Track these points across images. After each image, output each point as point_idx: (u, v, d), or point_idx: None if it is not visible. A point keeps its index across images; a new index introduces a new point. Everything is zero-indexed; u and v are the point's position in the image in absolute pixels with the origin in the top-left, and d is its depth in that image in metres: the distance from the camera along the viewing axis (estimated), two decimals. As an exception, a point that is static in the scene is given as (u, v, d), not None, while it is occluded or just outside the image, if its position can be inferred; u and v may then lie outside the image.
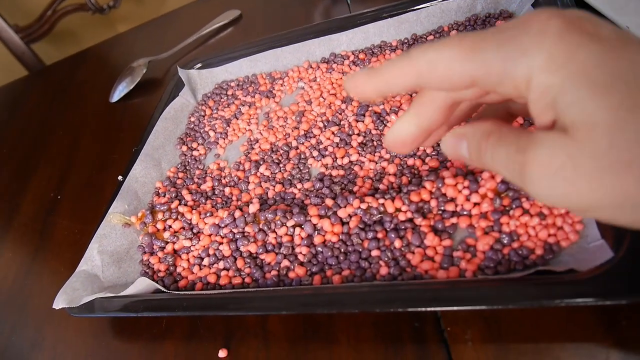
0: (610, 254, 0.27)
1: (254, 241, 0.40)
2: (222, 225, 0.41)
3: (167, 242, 0.43)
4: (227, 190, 0.47)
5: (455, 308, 0.28)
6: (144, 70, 0.72)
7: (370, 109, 0.47)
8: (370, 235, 0.36)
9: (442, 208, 0.35)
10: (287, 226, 0.39)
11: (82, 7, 1.19)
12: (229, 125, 0.55)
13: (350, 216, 0.37)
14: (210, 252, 0.41)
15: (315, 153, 0.46)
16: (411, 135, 0.27)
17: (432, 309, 0.28)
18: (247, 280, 0.38)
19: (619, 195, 0.18)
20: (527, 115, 0.24)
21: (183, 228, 0.43)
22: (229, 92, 0.59)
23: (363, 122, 0.46)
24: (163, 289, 0.38)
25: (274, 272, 0.37)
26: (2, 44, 1.15)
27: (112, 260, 0.42)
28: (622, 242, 0.27)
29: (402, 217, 0.36)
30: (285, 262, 0.37)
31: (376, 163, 0.42)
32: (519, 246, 0.32)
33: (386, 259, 0.35)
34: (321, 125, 0.49)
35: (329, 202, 0.39)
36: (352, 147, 0.45)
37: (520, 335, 0.29)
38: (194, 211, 0.44)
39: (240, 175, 0.48)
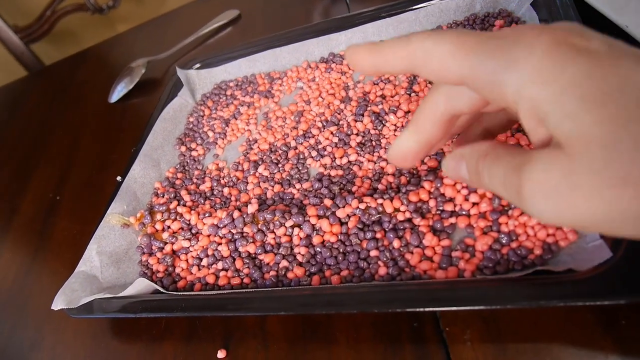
0: (609, 254, 0.27)
1: (252, 241, 0.39)
2: (221, 225, 0.41)
3: (165, 243, 0.43)
4: (225, 190, 0.47)
5: (454, 308, 0.28)
6: (143, 70, 0.72)
7: (369, 108, 0.47)
8: (369, 235, 0.36)
9: (441, 208, 0.35)
10: (285, 226, 0.39)
11: (81, 7, 1.19)
12: (227, 126, 0.55)
13: (348, 216, 0.37)
14: (209, 252, 0.41)
15: (314, 153, 0.46)
16: (412, 150, 0.27)
17: (431, 309, 0.28)
18: (245, 280, 0.38)
19: (618, 210, 0.18)
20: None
21: (182, 229, 0.43)
22: (228, 92, 0.59)
23: (362, 122, 0.46)
24: (162, 289, 0.38)
25: (272, 273, 0.37)
26: (1, 44, 1.15)
27: (110, 261, 0.42)
28: (621, 242, 0.27)
29: (400, 217, 0.36)
30: (284, 263, 0.37)
31: (375, 163, 0.42)
32: (518, 246, 0.32)
33: (385, 259, 0.35)
34: (320, 125, 0.49)
35: (327, 202, 0.39)
36: (350, 147, 0.45)
37: (519, 335, 0.29)
38: (192, 212, 0.44)
39: (239, 176, 0.48)
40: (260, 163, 0.48)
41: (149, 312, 0.36)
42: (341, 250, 0.36)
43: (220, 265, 0.39)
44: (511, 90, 0.20)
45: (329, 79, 0.54)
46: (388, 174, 0.40)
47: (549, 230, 0.31)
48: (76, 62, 0.90)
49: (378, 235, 0.36)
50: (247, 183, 0.47)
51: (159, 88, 0.70)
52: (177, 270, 0.41)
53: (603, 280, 0.26)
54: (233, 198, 0.46)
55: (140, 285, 0.38)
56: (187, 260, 0.42)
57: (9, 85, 0.94)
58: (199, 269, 0.40)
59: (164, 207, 0.45)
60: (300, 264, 0.37)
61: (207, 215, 0.42)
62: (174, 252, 0.43)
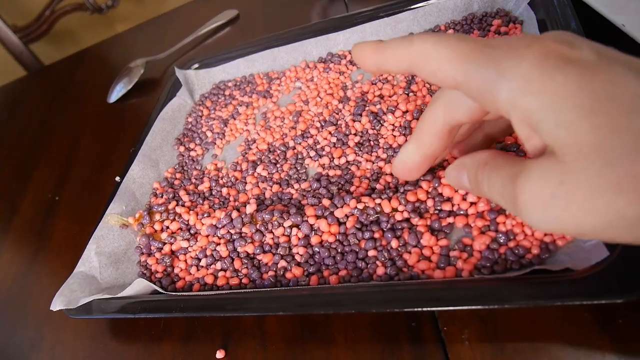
0: (606, 253, 0.27)
1: (251, 242, 0.40)
2: (220, 226, 0.41)
3: (164, 243, 0.43)
4: (224, 190, 0.47)
5: (451, 308, 0.28)
6: (142, 70, 0.72)
7: (367, 108, 0.47)
8: (367, 235, 0.36)
9: (439, 207, 0.35)
10: (284, 227, 0.39)
11: (80, 7, 1.19)
12: (226, 126, 0.55)
13: (347, 216, 0.37)
14: (208, 252, 0.41)
15: (312, 153, 0.46)
16: (416, 163, 0.28)
17: (429, 309, 0.28)
18: (244, 281, 0.38)
19: (613, 216, 0.18)
20: None
21: (180, 229, 0.43)
22: (227, 93, 0.59)
23: (360, 122, 0.46)
24: (160, 290, 0.38)
25: (271, 273, 0.37)
26: (0, 44, 1.15)
27: (109, 262, 0.42)
28: (618, 241, 0.27)
29: (398, 217, 0.36)
30: (283, 263, 0.37)
31: (373, 163, 0.42)
32: (515, 245, 0.32)
33: (383, 259, 0.35)
34: (318, 125, 0.49)
35: (325, 202, 0.39)
36: (349, 147, 0.45)
37: (517, 335, 0.29)
38: (191, 212, 0.44)
39: (237, 176, 0.48)
40: (258, 163, 0.48)
41: (148, 312, 0.36)
42: (339, 250, 0.36)
43: (218, 265, 0.40)
44: (502, 99, 0.21)
45: (327, 79, 0.54)
46: (386, 174, 0.40)
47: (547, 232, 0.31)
48: (75, 62, 0.91)
49: (376, 235, 0.36)
50: (246, 183, 0.47)
51: (157, 88, 0.70)
52: (176, 270, 0.41)
53: (600, 280, 0.26)
54: (232, 198, 0.46)
55: (139, 286, 0.38)
56: (185, 261, 0.42)
57: (8, 85, 0.94)
58: (198, 270, 0.41)
59: (163, 208, 0.45)
60: (298, 264, 0.37)
61: (205, 215, 0.42)
62: (172, 252, 0.43)
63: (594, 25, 0.39)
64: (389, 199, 0.36)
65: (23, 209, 0.60)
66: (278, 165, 0.47)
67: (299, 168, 0.46)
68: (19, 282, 0.50)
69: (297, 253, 0.37)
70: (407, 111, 0.44)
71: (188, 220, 0.43)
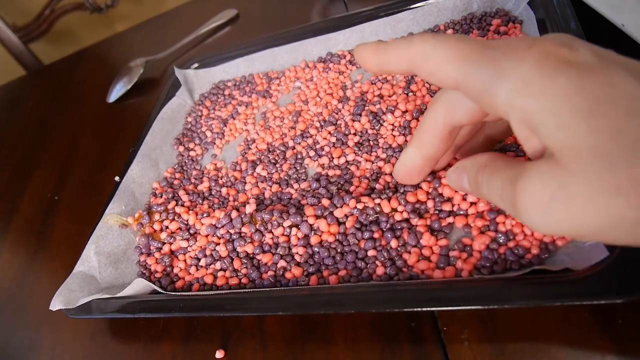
0: (605, 253, 0.27)
1: (250, 242, 0.40)
2: (219, 225, 0.41)
3: (164, 243, 0.43)
4: (224, 190, 0.47)
5: (451, 308, 0.28)
6: (141, 70, 0.72)
7: (366, 108, 0.47)
8: (366, 235, 0.36)
9: (439, 208, 0.35)
10: (283, 226, 0.39)
11: (80, 7, 1.19)
12: (225, 126, 0.55)
13: (346, 216, 0.37)
14: (207, 252, 0.41)
15: (311, 153, 0.46)
16: (417, 166, 0.28)
17: (429, 309, 0.28)
18: (244, 280, 0.38)
19: (613, 218, 0.18)
20: None
21: (180, 229, 0.43)
22: (226, 92, 0.59)
23: (359, 121, 0.46)
24: (160, 289, 0.38)
25: (270, 273, 0.37)
26: (0, 44, 1.15)
27: (109, 261, 0.42)
28: (618, 241, 0.27)
29: (398, 217, 0.36)
30: (282, 263, 0.37)
31: (372, 163, 0.42)
32: (515, 245, 0.32)
33: (382, 259, 0.35)
34: (318, 125, 0.49)
35: (325, 202, 0.39)
36: (348, 146, 0.45)
37: (517, 335, 0.29)
38: (190, 212, 0.44)
39: (237, 176, 0.48)
40: (258, 163, 0.48)
41: (147, 312, 0.36)
42: (339, 250, 0.36)
43: (218, 265, 0.40)
44: (501, 100, 0.21)
45: (326, 78, 0.54)
46: (385, 174, 0.40)
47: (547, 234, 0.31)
48: (75, 62, 0.90)
49: (376, 235, 0.36)
50: (245, 183, 0.47)
51: (157, 88, 0.70)
52: (175, 270, 0.41)
53: (600, 280, 0.26)
54: (231, 198, 0.46)
55: (139, 286, 0.38)
56: (185, 261, 0.42)
57: (7, 85, 0.94)
58: (197, 269, 0.41)
59: (162, 207, 0.45)
60: (298, 264, 0.37)
61: (205, 215, 0.42)
62: (172, 252, 0.43)
63: (593, 26, 0.39)
64: (389, 199, 0.36)
65: (22, 208, 0.60)
66: (277, 165, 0.47)
67: (298, 168, 0.46)
68: (19, 282, 0.50)
69: (297, 253, 0.37)
70: (406, 111, 0.44)
71: (187, 220, 0.43)
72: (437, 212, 0.36)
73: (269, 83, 0.58)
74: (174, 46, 0.75)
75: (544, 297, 0.26)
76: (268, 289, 0.35)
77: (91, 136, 0.68)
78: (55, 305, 0.38)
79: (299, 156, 0.47)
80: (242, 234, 0.40)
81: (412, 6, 0.53)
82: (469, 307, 0.27)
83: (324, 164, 0.45)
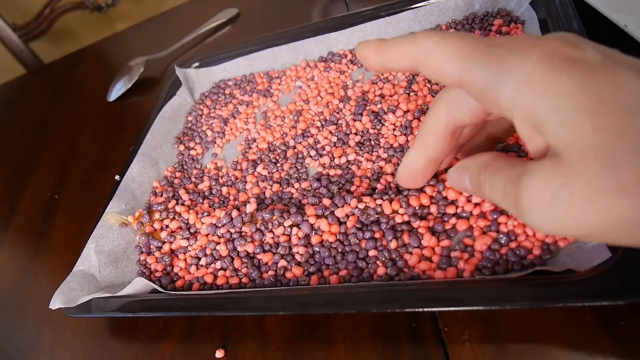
0: (608, 254, 0.27)
1: (251, 241, 0.39)
2: (219, 225, 0.41)
3: (164, 242, 0.43)
4: (224, 189, 0.47)
5: (452, 308, 0.28)
6: (142, 69, 0.72)
7: (367, 108, 0.46)
8: (367, 235, 0.36)
9: (443, 211, 0.35)
10: (284, 226, 0.39)
11: (80, 6, 1.19)
12: (226, 125, 0.55)
13: (347, 216, 0.37)
14: (208, 252, 0.41)
15: (312, 152, 0.46)
16: (420, 168, 0.28)
17: (430, 309, 0.28)
18: (244, 280, 0.38)
19: (616, 219, 0.18)
20: None
21: (180, 228, 0.43)
22: (227, 91, 0.59)
23: (361, 121, 0.46)
24: (160, 289, 0.38)
25: (271, 272, 0.37)
26: (0, 43, 1.15)
27: (109, 260, 0.42)
28: (620, 242, 0.27)
29: (398, 219, 0.35)
30: (283, 262, 0.37)
31: (374, 162, 0.42)
32: (517, 246, 0.32)
33: (383, 259, 0.34)
34: (319, 124, 0.49)
35: (326, 201, 0.39)
36: (349, 146, 0.45)
37: (518, 336, 0.29)
38: (191, 211, 0.43)
39: (237, 175, 0.48)
40: (258, 162, 0.48)
41: (147, 311, 0.36)
42: (340, 250, 0.36)
43: (218, 264, 0.39)
44: (504, 98, 0.21)
45: (327, 78, 0.54)
46: (387, 174, 0.40)
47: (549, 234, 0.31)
48: (75, 61, 0.90)
49: (377, 235, 0.35)
50: (246, 182, 0.47)
51: (157, 87, 0.70)
52: (176, 269, 0.41)
53: (602, 281, 0.26)
54: (231, 197, 0.46)
55: (139, 285, 0.37)
56: (185, 260, 0.42)
57: (7, 84, 0.94)
58: (197, 269, 0.40)
59: (163, 206, 0.45)
60: (298, 264, 0.37)
61: (205, 214, 0.42)
62: (172, 251, 0.42)
63: (595, 26, 0.39)
64: (390, 200, 0.36)
65: (22, 208, 0.60)
66: (278, 165, 0.47)
67: (299, 167, 0.46)
68: (18, 281, 0.50)
69: (297, 252, 0.37)
70: (408, 111, 0.44)
71: (188, 219, 0.43)
72: (440, 215, 0.35)
73: (269, 82, 0.58)
74: (174, 45, 0.74)
75: (545, 298, 0.26)
76: (268, 289, 0.35)
77: (91, 135, 0.68)
78: (55, 304, 0.38)
79: (299, 155, 0.47)
80: (243, 233, 0.40)
81: (413, 6, 0.52)
82: (470, 308, 0.27)
83: (325, 164, 0.45)
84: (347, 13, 0.58)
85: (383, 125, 0.45)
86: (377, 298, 0.30)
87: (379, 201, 0.36)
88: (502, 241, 0.32)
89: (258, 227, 0.39)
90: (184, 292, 0.38)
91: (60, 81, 0.86)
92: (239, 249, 0.39)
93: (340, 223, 0.37)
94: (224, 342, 0.36)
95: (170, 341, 0.37)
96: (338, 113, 0.49)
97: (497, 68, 0.21)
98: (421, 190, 0.36)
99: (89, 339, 0.41)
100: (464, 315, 0.31)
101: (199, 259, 0.41)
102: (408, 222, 0.35)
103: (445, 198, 0.35)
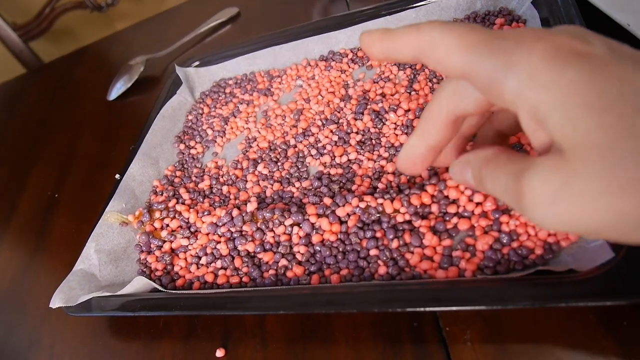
0: (610, 254, 0.27)
1: (251, 240, 0.39)
2: (220, 224, 0.41)
3: (164, 241, 0.43)
4: (224, 188, 0.47)
5: (454, 308, 0.28)
6: (142, 68, 0.72)
7: (368, 107, 0.46)
8: (368, 234, 0.36)
9: (444, 210, 0.35)
10: (285, 225, 0.38)
11: (80, 5, 1.18)
12: (226, 124, 0.55)
13: (348, 215, 0.37)
14: (208, 251, 0.40)
15: (313, 151, 0.46)
16: (420, 155, 0.27)
17: (431, 309, 0.28)
18: (244, 279, 0.38)
19: (619, 217, 0.18)
20: None
21: (180, 227, 0.43)
22: (227, 90, 0.59)
23: (362, 120, 0.46)
24: (160, 288, 0.38)
25: (271, 272, 0.37)
26: (0, 42, 1.14)
27: (109, 259, 0.42)
28: (622, 242, 0.27)
29: (400, 218, 0.35)
30: (283, 262, 0.37)
31: (375, 162, 0.42)
32: (519, 246, 0.31)
33: (385, 258, 0.34)
34: (319, 123, 0.49)
35: (327, 200, 0.38)
36: (350, 145, 0.45)
37: (520, 336, 0.29)
38: (191, 210, 0.43)
39: (238, 174, 0.48)
40: (259, 161, 0.48)
41: (148, 310, 0.36)
42: (341, 249, 0.36)
43: (219, 263, 0.39)
44: (509, 91, 0.20)
45: (328, 77, 0.53)
46: (388, 173, 0.40)
47: (550, 230, 0.31)
48: (75, 60, 0.90)
49: (378, 235, 0.35)
50: (246, 181, 0.46)
51: (157, 86, 0.70)
52: (176, 268, 0.41)
53: (605, 281, 0.26)
54: (232, 196, 0.46)
55: (139, 284, 0.37)
56: (185, 259, 0.41)
57: (7, 83, 0.94)
58: (198, 268, 0.40)
59: (163, 206, 0.45)
60: (299, 263, 0.37)
61: (206, 213, 0.42)
62: (172, 250, 0.42)
63: (598, 25, 0.39)
64: (392, 200, 0.36)
65: (22, 207, 0.60)
66: (279, 164, 0.47)
67: (300, 166, 0.46)
68: (18, 280, 0.50)
69: (298, 252, 0.37)
70: (409, 110, 0.44)
71: (188, 218, 0.43)
72: (441, 214, 0.35)
73: (270, 81, 0.58)
74: (174, 44, 0.74)
75: (547, 298, 0.26)
76: (269, 288, 0.35)
77: (91, 134, 0.68)
78: (55, 302, 0.38)
79: (300, 154, 0.47)
80: (243, 233, 0.40)
81: (414, 5, 0.52)
82: (471, 308, 0.27)
83: (325, 163, 0.44)
84: (347, 12, 0.58)
85: (384, 124, 0.45)
86: (378, 297, 0.30)
87: (380, 200, 0.36)
88: (504, 241, 0.32)
89: (259, 226, 0.39)
90: (184, 291, 0.38)
91: (60, 80, 0.86)
92: (239, 248, 0.39)
93: (341, 222, 0.37)
94: (225, 341, 0.36)
95: (170, 340, 0.37)
96: (339, 112, 0.49)
97: (502, 61, 0.20)
98: (422, 189, 0.36)
99: (89, 338, 0.40)
100: (466, 315, 0.31)
101: (200, 258, 0.41)
102: (409, 222, 0.35)
103: (447, 197, 0.35)
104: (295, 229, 0.38)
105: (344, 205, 0.37)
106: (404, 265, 0.34)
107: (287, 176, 0.45)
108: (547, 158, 0.20)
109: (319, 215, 0.38)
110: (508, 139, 0.30)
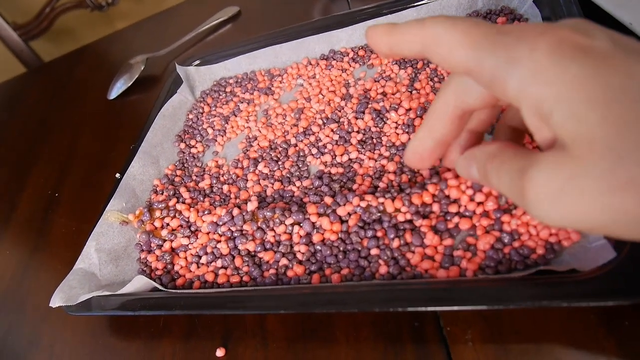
0: (612, 254, 0.27)
1: (252, 239, 0.39)
2: (220, 223, 0.41)
3: (164, 240, 0.43)
4: (225, 188, 0.47)
5: (455, 308, 0.28)
6: (142, 67, 0.72)
7: (369, 106, 0.46)
8: (369, 233, 0.35)
9: (445, 210, 0.35)
10: (285, 224, 0.38)
11: (80, 5, 1.18)
12: (227, 123, 0.55)
13: (349, 214, 0.37)
14: (208, 250, 0.40)
15: (314, 150, 0.46)
16: (428, 149, 0.27)
17: (432, 308, 0.28)
18: (245, 278, 0.38)
19: (623, 213, 0.18)
20: None
21: (181, 226, 0.43)
22: (228, 89, 0.59)
23: (362, 119, 0.46)
24: (160, 287, 0.38)
25: (272, 271, 0.37)
26: (0, 42, 1.14)
27: (109, 259, 0.42)
28: (625, 242, 0.26)
29: (401, 217, 0.35)
30: (284, 261, 0.37)
31: (376, 161, 0.42)
32: (520, 245, 0.31)
33: (385, 257, 0.34)
34: (320, 122, 0.48)
35: (328, 200, 0.38)
36: (351, 144, 0.44)
37: (521, 336, 0.29)
38: (192, 209, 0.43)
39: (238, 173, 0.48)
40: (260, 160, 0.48)
41: (148, 309, 0.36)
42: (341, 248, 0.36)
43: (219, 263, 0.39)
44: (512, 87, 0.20)
45: (329, 76, 0.53)
46: (389, 172, 0.40)
47: (552, 229, 0.31)
48: (75, 59, 0.90)
49: (379, 234, 0.35)
50: (247, 180, 0.46)
51: (158, 85, 0.70)
52: (176, 267, 0.41)
53: (606, 281, 0.25)
54: (232, 195, 0.46)
55: (139, 283, 0.37)
56: (186, 258, 0.41)
57: (7, 82, 0.94)
58: (198, 267, 0.40)
59: (163, 205, 0.44)
60: (300, 262, 0.37)
61: (206, 212, 0.42)
62: (172, 249, 0.42)
63: (600, 24, 0.39)
64: (393, 199, 0.36)
65: (22, 206, 0.60)
66: (280, 163, 0.47)
67: (300, 165, 0.45)
68: (18, 279, 0.50)
69: (299, 251, 0.37)
70: (410, 109, 0.44)
71: (188, 218, 0.43)
72: (442, 214, 0.35)
73: (271, 80, 0.58)
74: (175, 43, 0.74)
75: (549, 298, 0.26)
76: (269, 287, 0.35)
77: (91, 133, 0.68)
78: (56, 302, 0.38)
79: (301, 154, 0.47)
80: (244, 232, 0.40)
81: (415, 4, 0.52)
82: (472, 308, 0.27)
83: (326, 162, 0.44)
84: (348, 11, 0.58)
85: (385, 123, 0.45)
86: (379, 297, 0.30)
87: (381, 199, 0.36)
88: (506, 240, 0.32)
89: (259, 225, 0.39)
90: (184, 291, 0.38)
91: (60, 79, 0.86)
92: (240, 247, 0.39)
93: (342, 221, 0.37)
94: (225, 340, 0.36)
95: (170, 339, 0.37)
96: (340, 111, 0.49)
97: (506, 56, 0.20)
98: (424, 188, 0.36)
99: (89, 337, 0.40)
100: (467, 315, 0.31)
101: (200, 257, 0.41)
102: (410, 221, 0.35)
103: (448, 197, 0.35)
104: (296, 228, 0.38)
105: (344, 205, 0.37)
106: (404, 265, 0.34)
107: (288, 175, 0.45)
108: (550, 154, 0.20)
109: (319, 215, 0.38)
110: (524, 135, 0.30)
